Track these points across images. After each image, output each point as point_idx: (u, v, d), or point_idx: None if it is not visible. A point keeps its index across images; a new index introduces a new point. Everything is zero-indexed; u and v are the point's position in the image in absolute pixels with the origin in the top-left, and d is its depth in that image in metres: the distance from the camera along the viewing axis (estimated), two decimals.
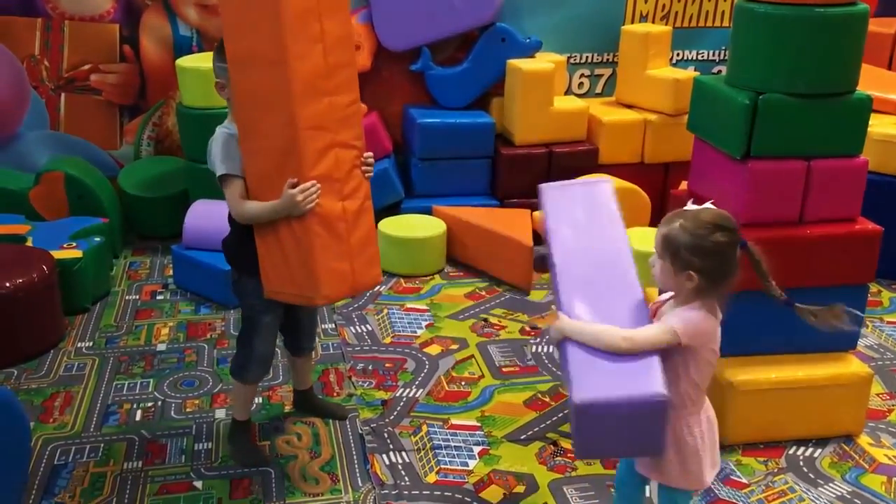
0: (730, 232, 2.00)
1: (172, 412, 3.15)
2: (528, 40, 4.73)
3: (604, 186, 2.60)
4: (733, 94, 2.88)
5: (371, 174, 2.61)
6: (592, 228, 2.43)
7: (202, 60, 4.34)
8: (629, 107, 4.95)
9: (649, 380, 1.95)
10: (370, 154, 2.60)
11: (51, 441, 2.95)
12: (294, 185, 2.38)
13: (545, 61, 4.66)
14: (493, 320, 3.91)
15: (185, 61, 4.31)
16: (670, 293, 2.14)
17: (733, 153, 2.89)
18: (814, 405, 3.00)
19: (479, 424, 3.11)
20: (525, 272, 4.23)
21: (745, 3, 2.87)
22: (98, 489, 2.72)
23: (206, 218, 3.96)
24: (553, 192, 2.60)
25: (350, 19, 2.55)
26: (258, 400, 3.21)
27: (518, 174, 4.67)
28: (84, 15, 4.50)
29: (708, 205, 2.08)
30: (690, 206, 2.08)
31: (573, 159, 4.70)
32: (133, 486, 2.74)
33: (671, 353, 2.03)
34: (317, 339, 3.61)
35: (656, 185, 4.79)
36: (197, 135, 3.93)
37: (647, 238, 4.19)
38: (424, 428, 3.07)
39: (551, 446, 3.01)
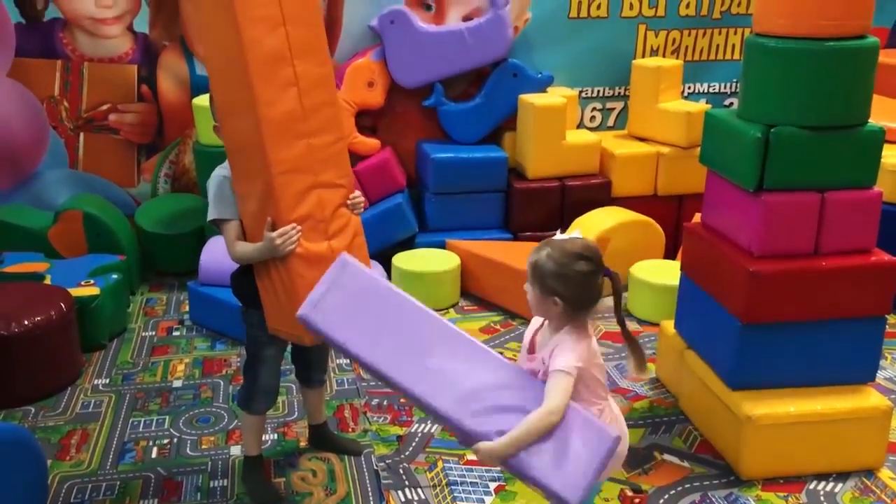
0: (592, 262, 2.09)
1: (188, 449, 3.15)
2: (539, 75, 4.78)
3: (347, 268, 2.27)
4: (745, 127, 2.90)
5: (360, 211, 2.62)
6: (383, 317, 2.20)
7: None
8: (641, 140, 4.97)
9: (597, 431, 2.01)
10: (357, 194, 2.60)
11: (67, 479, 2.96)
12: (273, 228, 2.43)
13: (557, 96, 4.69)
14: (509, 354, 3.90)
15: (201, 100, 4.38)
16: (541, 319, 2.22)
17: (746, 186, 2.89)
18: (833, 439, 2.97)
19: None
20: None
21: (755, 38, 2.90)
22: None
23: (222, 254, 3.89)
24: (314, 315, 2.21)
25: (328, 58, 2.55)
26: (273, 436, 3.21)
27: (531, 208, 4.69)
28: (103, 56, 4.58)
29: (575, 234, 2.17)
30: (559, 236, 2.17)
31: (586, 192, 4.72)
32: None
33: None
34: (331, 374, 3.63)
35: (670, 218, 4.79)
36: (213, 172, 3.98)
37: (660, 270, 4.21)
38: (440, 464, 3.06)
39: None
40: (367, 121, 4.85)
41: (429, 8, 4.79)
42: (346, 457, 3.09)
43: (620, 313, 2.19)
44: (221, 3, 2.36)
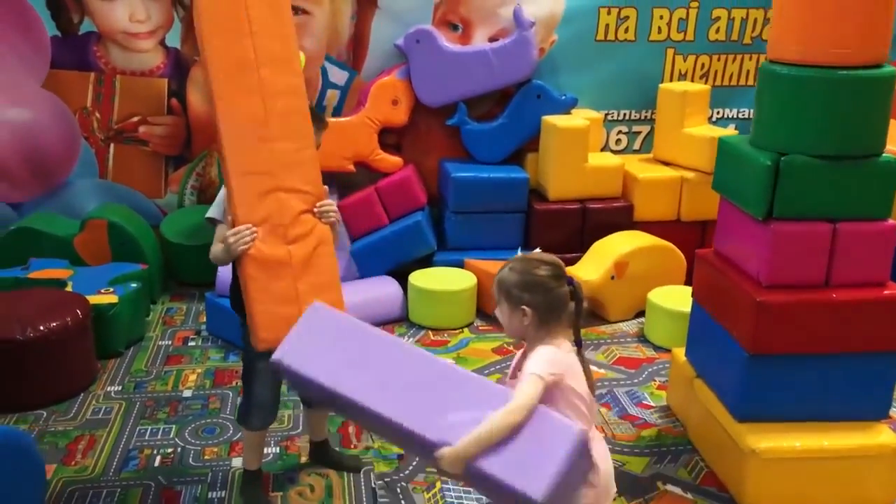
0: (552, 266, 2.12)
1: (191, 459, 3.18)
2: (563, 97, 4.77)
3: (319, 312, 2.33)
4: (756, 154, 2.85)
5: (331, 220, 2.63)
6: (354, 351, 2.21)
7: None
8: (667, 164, 4.92)
9: (560, 428, 1.93)
10: (326, 202, 2.61)
11: (70, 484, 3.01)
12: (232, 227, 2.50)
13: (580, 118, 4.68)
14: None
15: None
16: (522, 349, 2.20)
17: (756, 214, 2.85)
18: (841, 476, 2.89)
19: None
20: None
21: (769, 65, 2.86)
22: None
23: None
24: (286, 358, 2.26)
25: (299, 69, 2.63)
26: (275, 450, 3.23)
27: (551, 229, 4.67)
28: (135, 70, 4.69)
29: (536, 251, 2.20)
30: (520, 253, 2.20)
31: (607, 215, 4.68)
32: None
33: (548, 395, 2.03)
34: None
35: (692, 243, 4.70)
36: None
37: (679, 297, 4.15)
38: (438, 484, 3.04)
39: None
40: (391, 138, 4.88)
41: (455, 28, 4.81)
42: (344, 473, 3.09)
43: (579, 327, 2.16)
44: (195, 14, 2.52)
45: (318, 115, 2.74)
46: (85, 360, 3.68)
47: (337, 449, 3.21)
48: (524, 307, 2.09)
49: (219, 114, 2.51)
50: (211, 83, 2.51)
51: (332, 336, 2.25)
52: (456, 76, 4.67)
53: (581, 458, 1.97)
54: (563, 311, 2.12)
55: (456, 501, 2.95)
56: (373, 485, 3.03)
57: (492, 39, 4.79)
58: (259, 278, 2.48)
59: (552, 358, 2.05)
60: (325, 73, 4.82)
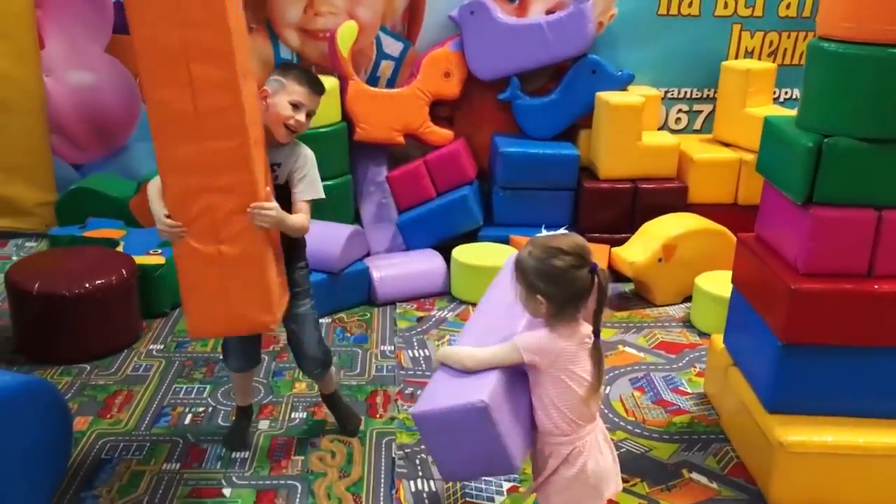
0: (571, 256, 2.05)
1: (220, 419, 3.25)
2: (619, 73, 4.65)
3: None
4: (799, 135, 2.72)
5: (263, 223, 2.51)
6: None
7: None
8: (727, 145, 4.76)
9: (475, 390, 2.07)
10: (261, 204, 2.49)
11: (103, 436, 3.11)
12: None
13: (636, 95, 4.55)
14: None
15: None
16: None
17: (795, 198, 2.72)
18: (875, 475, 2.76)
19: None
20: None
21: (817, 42, 2.72)
22: (134, 486, 2.84)
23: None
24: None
25: (233, 63, 2.37)
26: (303, 414, 3.28)
27: (600, 208, 4.58)
28: None
29: (561, 231, 2.13)
30: (543, 232, 2.14)
31: (659, 196, 4.56)
32: (167, 486, 2.84)
33: (533, 377, 2.15)
34: (372, 360, 3.67)
35: (749, 228, 4.52)
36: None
37: (727, 282, 3.98)
38: None
39: None
40: (444, 111, 4.85)
41: (512, 0, 4.74)
42: (367, 441, 3.11)
43: (600, 314, 2.12)
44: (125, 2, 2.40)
45: (314, 79, 2.73)
46: (129, 318, 3.79)
47: (345, 403, 3.24)
48: (538, 296, 2.07)
49: (148, 107, 2.40)
50: (140, 74, 2.42)
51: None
52: (509, 49, 4.60)
53: (481, 432, 2.06)
54: (582, 300, 2.09)
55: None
56: (393, 454, 3.04)
57: (549, 12, 4.70)
58: (189, 272, 2.51)
59: (539, 344, 2.08)
60: (379, 43, 4.81)
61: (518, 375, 2.18)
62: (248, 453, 3.04)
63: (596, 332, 2.14)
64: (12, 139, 4.80)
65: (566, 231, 2.14)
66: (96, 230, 4.32)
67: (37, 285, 3.51)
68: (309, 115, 2.71)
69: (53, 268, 3.66)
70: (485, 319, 2.43)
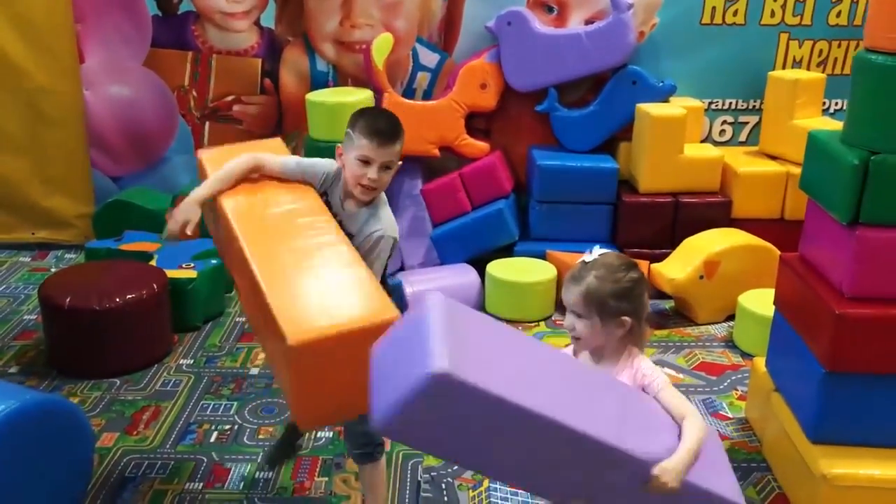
0: (636, 267, 2.03)
1: (245, 437, 3.21)
2: (661, 84, 4.52)
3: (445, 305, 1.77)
4: (844, 152, 2.58)
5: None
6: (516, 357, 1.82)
7: (330, 95, 4.49)
8: (773, 158, 4.60)
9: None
10: None
11: (128, 453, 3.09)
12: None
13: (677, 106, 4.42)
14: None
15: (313, 95, 4.46)
16: (570, 347, 2.11)
17: (840, 218, 2.59)
18: None
19: None
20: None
21: (864, 53, 2.58)
22: None
23: None
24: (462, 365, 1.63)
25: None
26: (328, 434, 3.22)
27: (640, 223, 4.45)
28: (230, 49, 4.78)
29: (597, 250, 2.06)
30: (587, 258, 2.02)
31: (702, 211, 4.42)
32: None
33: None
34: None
35: (797, 244, 4.37)
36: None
37: (772, 301, 3.85)
38: (486, 483, 2.95)
39: None
40: (480, 123, 4.78)
41: (551, 10, 4.64)
42: (392, 464, 3.04)
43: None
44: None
45: (382, 128, 2.43)
46: (160, 332, 3.78)
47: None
48: (623, 318, 1.97)
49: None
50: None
51: (480, 339, 1.75)
52: (547, 60, 4.50)
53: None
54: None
55: (501, 502, 2.85)
56: (419, 478, 2.97)
57: (588, 22, 4.60)
58: None
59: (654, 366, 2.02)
60: (416, 55, 4.76)
61: None
62: (271, 474, 2.99)
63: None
64: (53, 152, 4.85)
65: (602, 249, 2.06)
66: (132, 243, 4.32)
67: (68, 300, 3.52)
68: (386, 169, 2.43)
69: (85, 282, 3.67)
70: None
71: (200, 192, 2.49)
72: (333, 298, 2.13)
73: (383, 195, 2.55)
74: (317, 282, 2.19)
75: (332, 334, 1.97)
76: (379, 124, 2.42)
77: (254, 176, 2.58)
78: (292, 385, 2.03)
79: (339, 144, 2.50)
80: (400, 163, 2.51)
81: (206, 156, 2.72)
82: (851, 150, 2.57)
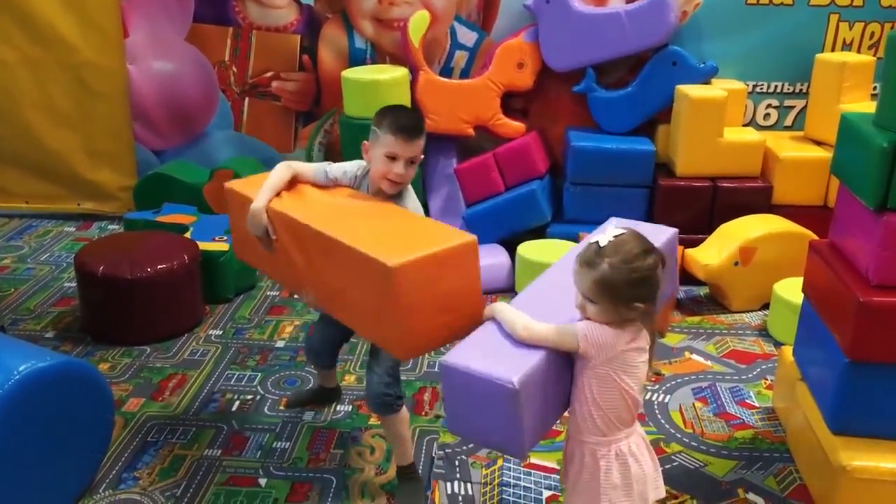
0: (654, 253, 1.96)
1: (266, 408, 3.26)
2: (702, 65, 4.42)
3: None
4: (874, 134, 2.50)
5: None
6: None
7: (365, 72, 4.50)
8: (819, 143, 4.46)
9: (511, 367, 1.92)
10: None
11: (152, 419, 3.17)
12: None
13: (718, 88, 4.32)
14: None
15: (349, 73, 4.48)
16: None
17: (868, 203, 2.50)
18: None
19: (558, 468, 2.92)
20: (663, 312, 3.93)
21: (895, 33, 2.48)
22: (174, 470, 2.87)
23: None
24: None
25: None
26: (348, 408, 3.25)
27: (677, 207, 4.36)
28: (270, 25, 4.82)
29: (612, 228, 1.98)
30: (601, 239, 1.96)
31: (741, 196, 4.32)
32: (206, 473, 2.86)
33: (580, 369, 2.02)
34: (424, 355, 3.60)
35: None
36: (355, 144, 4.04)
37: None
38: (500, 461, 2.94)
39: None
40: (518, 103, 4.74)
41: None
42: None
43: (653, 316, 2.03)
44: None
45: (406, 125, 2.52)
46: (191, 303, 3.85)
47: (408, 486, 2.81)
48: (637, 304, 1.94)
49: None
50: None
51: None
52: (585, 39, 4.43)
53: (502, 410, 1.94)
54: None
55: (513, 481, 2.85)
56: (433, 454, 2.98)
57: (629, 1, 4.51)
58: None
59: (602, 337, 1.96)
60: (453, 33, 4.74)
61: (561, 363, 2.04)
62: (289, 444, 3.03)
63: (653, 336, 2.04)
64: (98, 125, 4.97)
65: (618, 229, 1.99)
66: (169, 215, 4.41)
67: (101, 268, 3.60)
68: (411, 163, 2.52)
69: (120, 251, 3.75)
70: (545, 292, 2.25)
71: (260, 200, 2.59)
72: (415, 235, 2.32)
73: (409, 185, 2.64)
74: (393, 229, 2.37)
75: (425, 255, 2.14)
76: (403, 121, 2.51)
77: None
78: (394, 313, 2.15)
79: (366, 141, 2.59)
80: (422, 156, 2.60)
81: (237, 185, 2.88)
82: (882, 133, 2.48)
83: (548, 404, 2.05)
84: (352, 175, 2.70)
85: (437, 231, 2.39)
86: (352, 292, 2.33)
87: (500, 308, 2.11)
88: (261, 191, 2.60)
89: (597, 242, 1.97)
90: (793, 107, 4.75)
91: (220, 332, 3.84)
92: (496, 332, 2.08)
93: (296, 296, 2.67)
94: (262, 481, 2.83)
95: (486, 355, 1.99)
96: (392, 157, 2.49)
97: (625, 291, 1.92)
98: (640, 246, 1.95)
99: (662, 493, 2.15)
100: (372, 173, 2.58)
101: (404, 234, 2.33)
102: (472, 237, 2.25)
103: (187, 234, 4.17)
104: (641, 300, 1.94)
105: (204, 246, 3.98)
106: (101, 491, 2.74)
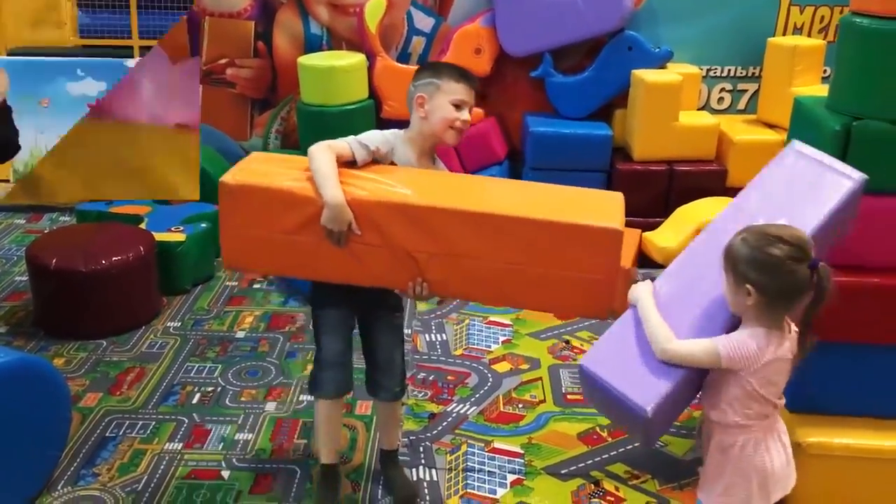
0: (791, 247, 1.87)
1: (227, 400, 3.22)
2: (657, 50, 4.45)
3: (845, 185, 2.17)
4: (827, 117, 2.54)
5: None
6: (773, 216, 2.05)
7: (322, 59, 4.45)
8: (771, 126, 4.54)
9: (648, 392, 1.92)
10: None
11: (110, 413, 3.12)
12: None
13: (673, 73, 4.36)
14: (576, 343, 3.71)
15: (305, 59, 4.43)
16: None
17: None
18: None
19: (521, 452, 2.95)
20: (622, 296, 3.96)
21: (848, 18, 2.52)
22: (134, 465, 2.83)
23: None
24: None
25: None
26: (311, 398, 3.18)
27: (634, 191, 4.26)
28: (223, 11, 4.74)
29: (781, 221, 1.96)
30: (762, 221, 1.97)
31: (697, 179, 4.38)
32: (167, 467, 2.83)
33: (721, 377, 1.98)
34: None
35: None
36: (313, 131, 4.02)
37: None
38: (464, 447, 2.96)
39: (592, 485, 2.80)
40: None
41: None
42: (372, 428, 3.05)
43: (810, 322, 1.96)
44: None
45: (467, 73, 2.46)
46: (147, 295, 3.79)
47: (400, 468, 2.80)
48: (748, 286, 1.88)
49: None
50: None
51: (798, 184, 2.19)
52: (542, 25, 4.44)
53: (634, 422, 1.98)
54: (797, 299, 1.91)
55: (477, 466, 2.86)
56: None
57: None
58: None
59: (745, 353, 1.91)
60: (410, 18, 4.71)
61: (696, 370, 2.01)
62: (251, 436, 3.00)
63: (806, 325, 1.98)
64: None
65: (786, 223, 1.96)
66: (122, 206, 4.32)
67: (54, 261, 3.53)
68: (470, 112, 2.45)
69: (73, 244, 3.68)
70: (705, 255, 2.08)
71: (336, 192, 2.19)
72: (573, 202, 2.30)
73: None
74: (547, 197, 2.35)
75: (622, 223, 2.22)
76: (464, 70, 2.48)
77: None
78: (608, 276, 2.21)
79: (422, 94, 2.41)
80: None
81: (245, 178, 2.31)
82: (834, 116, 2.53)
83: (678, 406, 2.10)
84: (390, 141, 2.43)
85: (583, 197, 2.36)
86: (532, 269, 2.22)
87: (643, 303, 2.06)
88: (322, 181, 2.20)
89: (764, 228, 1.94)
90: (746, 90, 4.83)
91: (179, 324, 3.79)
92: (634, 335, 2.04)
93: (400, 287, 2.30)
94: (226, 474, 2.81)
95: (626, 370, 1.97)
96: (458, 105, 2.40)
97: (742, 268, 1.89)
98: (781, 234, 1.89)
99: (789, 489, 2.13)
100: (433, 125, 2.41)
101: (565, 202, 2.30)
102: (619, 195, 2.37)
103: (142, 225, 4.10)
104: (754, 285, 1.88)
105: (160, 237, 3.92)
106: (59, 488, 2.69)
